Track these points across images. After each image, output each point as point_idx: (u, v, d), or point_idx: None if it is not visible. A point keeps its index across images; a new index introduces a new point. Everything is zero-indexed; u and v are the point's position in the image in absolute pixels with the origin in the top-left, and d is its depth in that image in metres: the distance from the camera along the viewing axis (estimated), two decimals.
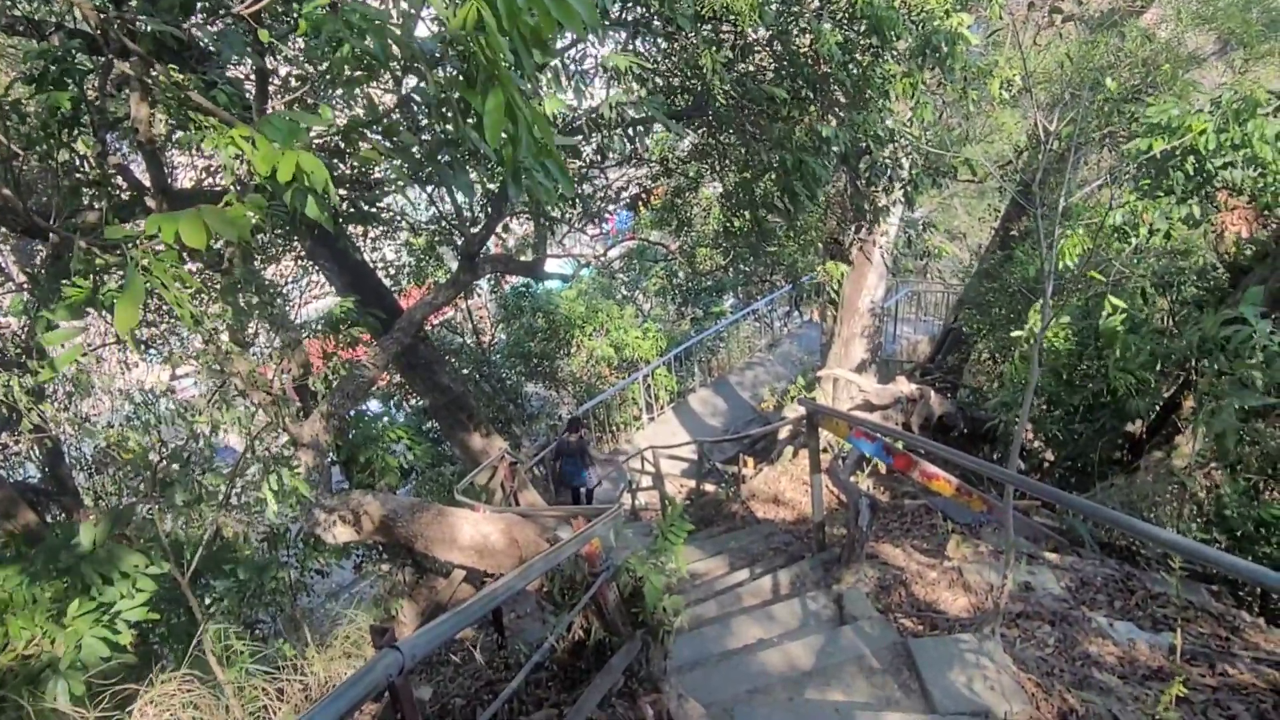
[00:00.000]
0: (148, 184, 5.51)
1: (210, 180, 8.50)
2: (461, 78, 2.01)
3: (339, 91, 7.29)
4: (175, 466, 5.02)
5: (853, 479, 6.89)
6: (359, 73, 2.59)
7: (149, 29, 3.99)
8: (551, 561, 2.74)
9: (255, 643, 5.12)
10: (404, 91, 3.53)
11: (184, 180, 8.48)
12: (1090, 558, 5.93)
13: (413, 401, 14.20)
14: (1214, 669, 4.02)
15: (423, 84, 2.62)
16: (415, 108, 3.86)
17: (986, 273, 11.36)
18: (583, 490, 10.71)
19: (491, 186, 5.95)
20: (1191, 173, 6.12)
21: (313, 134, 4.12)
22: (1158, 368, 7.64)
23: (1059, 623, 4.61)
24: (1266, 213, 6.08)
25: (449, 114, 2.42)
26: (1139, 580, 5.35)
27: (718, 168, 6.73)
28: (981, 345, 10.83)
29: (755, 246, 8.13)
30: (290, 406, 5.49)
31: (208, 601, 6.21)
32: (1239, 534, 6.18)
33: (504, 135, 1.93)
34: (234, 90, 6.00)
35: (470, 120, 2.10)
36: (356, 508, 4.91)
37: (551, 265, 9.38)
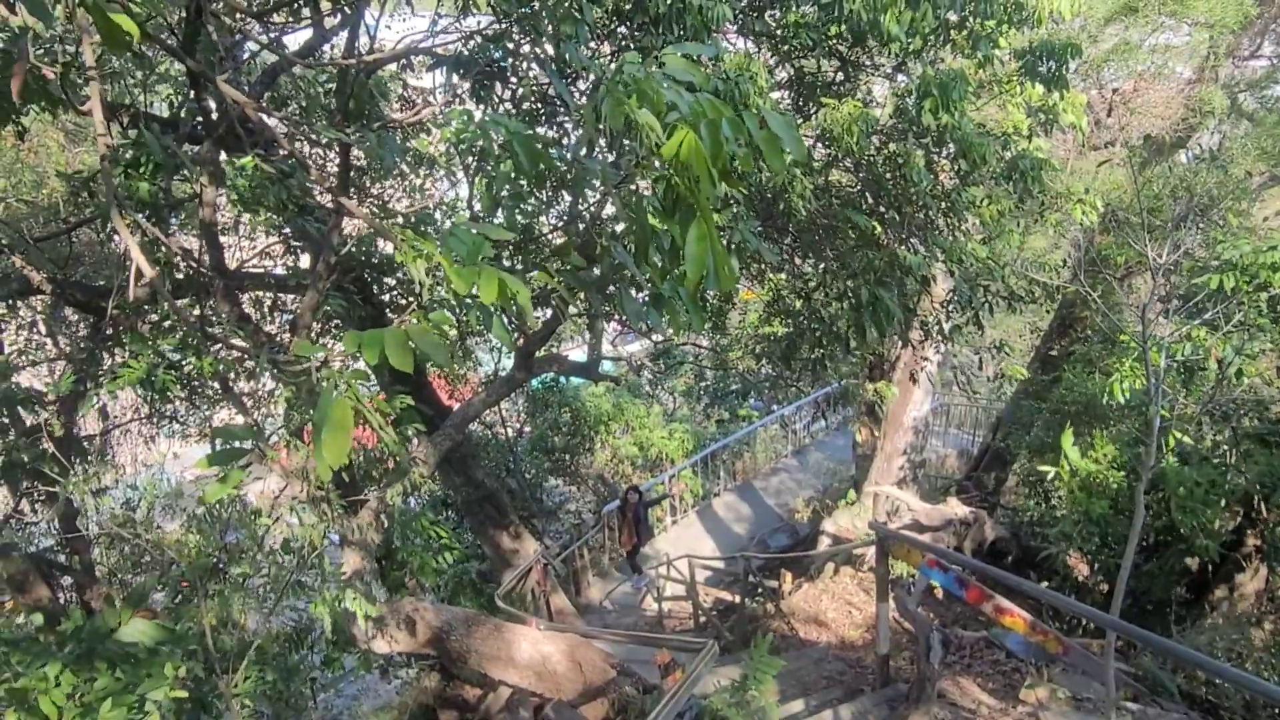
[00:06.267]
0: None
1: (255, 262, 8.58)
2: (655, 206, 1.95)
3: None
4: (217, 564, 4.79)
5: (920, 608, 6.59)
6: (507, 191, 2.53)
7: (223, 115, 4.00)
8: (674, 712, 2.51)
9: None
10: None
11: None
12: (1173, 708, 5.59)
13: (427, 491, 13.88)
14: None
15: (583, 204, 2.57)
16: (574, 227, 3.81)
17: (1029, 392, 11.24)
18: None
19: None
20: (1265, 308, 6.12)
21: None
22: (1221, 504, 7.43)
23: None
24: None
25: (623, 239, 2.36)
26: None
27: (784, 285, 6.70)
28: (1026, 466, 10.60)
29: (792, 356, 8.04)
30: (335, 501, 5.29)
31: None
32: None
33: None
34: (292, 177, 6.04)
35: (656, 250, 2.02)
36: (412, 615, 4.64)
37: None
